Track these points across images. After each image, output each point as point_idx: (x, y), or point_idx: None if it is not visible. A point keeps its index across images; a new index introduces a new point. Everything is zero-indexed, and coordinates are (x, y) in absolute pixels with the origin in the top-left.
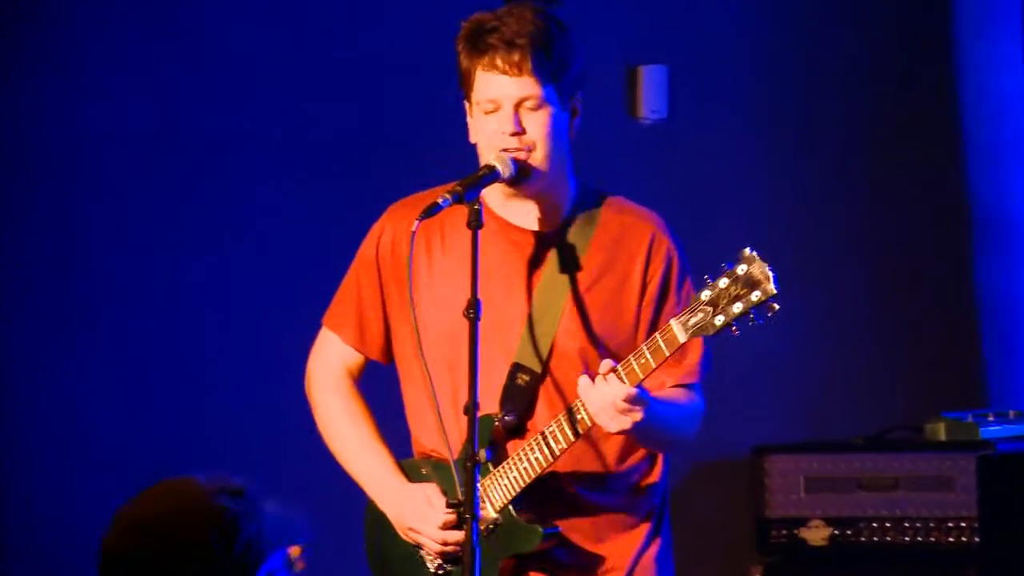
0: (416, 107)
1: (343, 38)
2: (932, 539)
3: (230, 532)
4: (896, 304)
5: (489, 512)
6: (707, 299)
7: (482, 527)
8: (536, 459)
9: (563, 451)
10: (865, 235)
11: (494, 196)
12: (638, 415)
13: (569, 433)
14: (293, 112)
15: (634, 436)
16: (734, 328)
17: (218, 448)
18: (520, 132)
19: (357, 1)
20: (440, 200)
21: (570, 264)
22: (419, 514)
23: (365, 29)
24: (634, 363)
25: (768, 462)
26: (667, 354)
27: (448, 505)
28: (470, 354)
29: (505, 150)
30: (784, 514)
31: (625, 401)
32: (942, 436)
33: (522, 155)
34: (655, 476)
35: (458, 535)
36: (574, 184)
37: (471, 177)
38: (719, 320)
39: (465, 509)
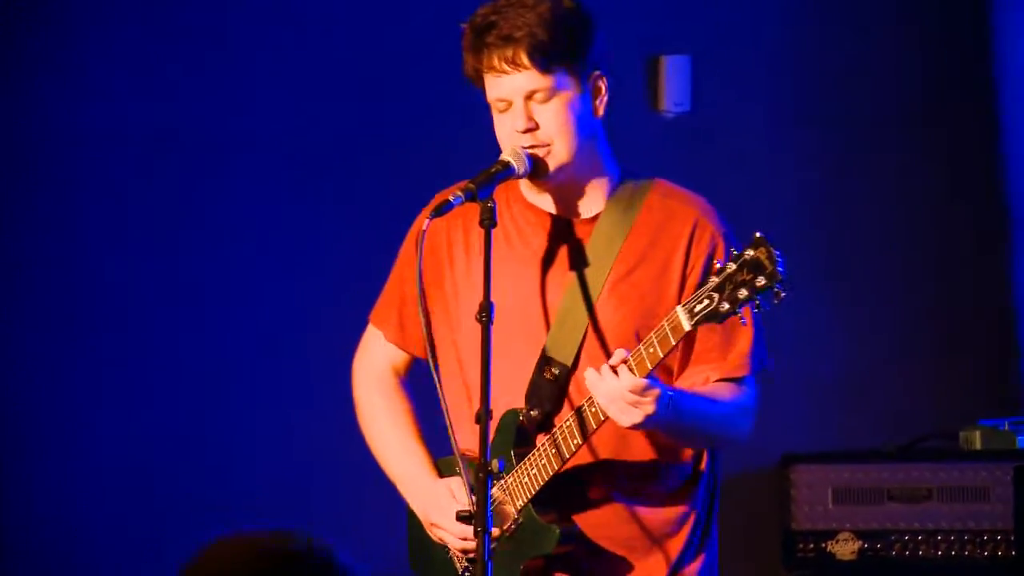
0: (418, 107)
1: (344, 37)
2: (966, 553)
3: None
4: (930, 307)
5: (511, 511)
6: (714, 285)
7: (505, 526)
8: (552, 455)
9: (577, 447)
10: (897, 235)
11: (528, 185)
12: (649, 407)
13: (578, 432)
14: (293, 113)
15: (661, 432)
16: (739, 315)
17: (217, 448)
18: (534, 128)
19: (358, 1)
20: (451, 198)
21: (607, 252)
22: (441, 508)
23: (367, 28)
24: (643, 352)
25: (795, 472)
26: (673, 342)
27: (458, 517)
28: (482, 360)
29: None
30: (811, 527)
31: (633, 392)
32: (978, 445)
33: (540, 151)
34: (695, 482)
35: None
36: (615, 167)
37: (484, 174)
38: (724, 307)
39: (477, 522)
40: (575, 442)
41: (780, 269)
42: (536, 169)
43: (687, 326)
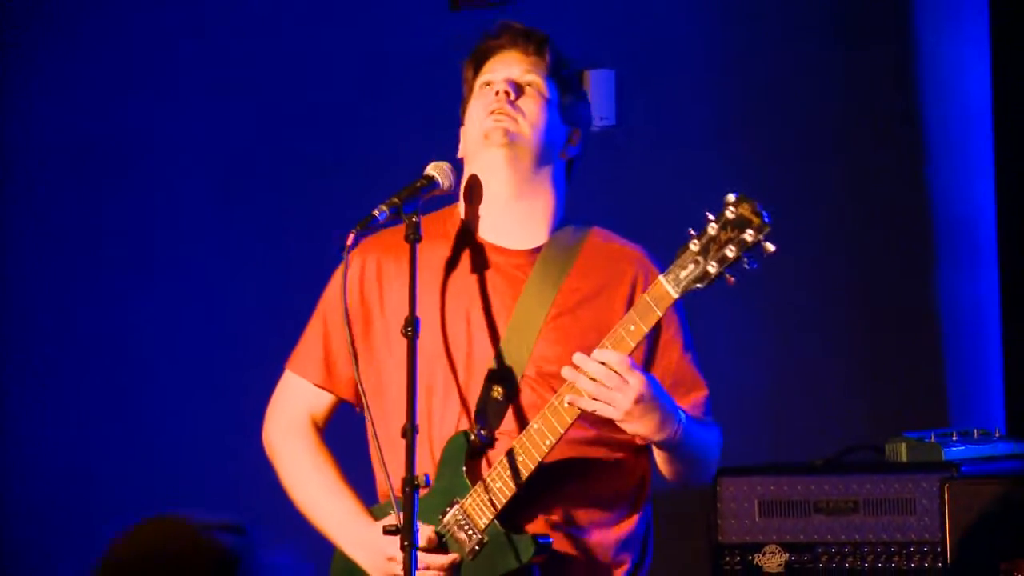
0: (354, 125)
1: (276, 53)
2: (893, 564)
3: (230, 569)
4: (855, 318)
5: (465, 536)
6: (697, 249)
7: (466, 548)
8: (522, 462)
9: (552, 446)
10: (823, 247)
11: (478, 215)
12: (638, 385)
13: (549, 434)
14: (222, 125)
15: (669, 443)
16: (729, 276)
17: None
18: (515, 99)
19: (297, 21)
20: (376, 213)
21: (550, 287)
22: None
23: (299, 45)
24: (622, 332)
25: (720, 485)
26: (660, 314)
27: (385, 531)
28: (408, 373)
29: (493, 112)
30: (738, 539)
31: (620, 367)
32: (904, 457)
33: (506, 122)
34: (637, 512)
35: (441, 559)
36: (561, 205)
37: (408, 188)
38: (712, 268)
39: (403, 535)
40: (549, 441)
41: (767, 219)
42: (493, 137)
43: (674, 294)
